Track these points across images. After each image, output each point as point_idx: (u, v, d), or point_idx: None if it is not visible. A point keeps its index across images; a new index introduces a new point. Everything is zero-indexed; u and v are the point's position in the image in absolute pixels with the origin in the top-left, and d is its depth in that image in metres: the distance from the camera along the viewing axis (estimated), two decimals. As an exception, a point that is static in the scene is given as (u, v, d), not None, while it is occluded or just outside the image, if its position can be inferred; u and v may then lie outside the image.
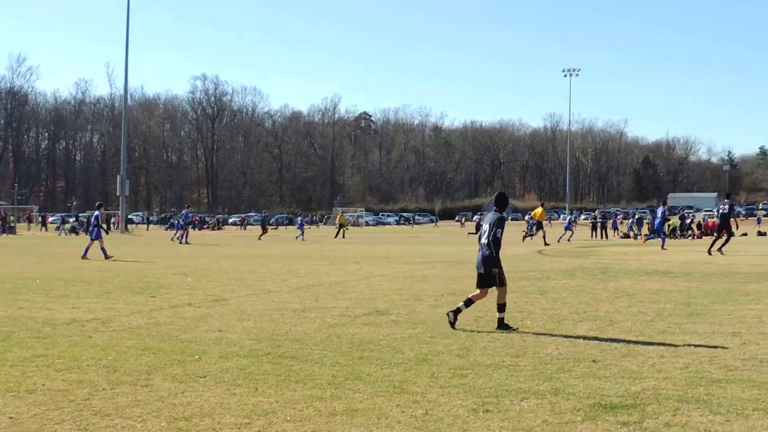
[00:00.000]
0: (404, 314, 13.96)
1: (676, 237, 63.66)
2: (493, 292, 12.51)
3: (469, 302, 12.49)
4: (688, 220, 70.52)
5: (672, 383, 8.26)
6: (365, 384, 8.31)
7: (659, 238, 41.03)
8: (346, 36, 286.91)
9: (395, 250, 40.37)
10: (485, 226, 12.50)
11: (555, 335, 11.53)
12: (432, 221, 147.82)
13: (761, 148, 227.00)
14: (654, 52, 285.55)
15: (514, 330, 12.02)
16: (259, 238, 61.06)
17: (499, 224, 12.28)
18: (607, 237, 62.96)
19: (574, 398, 7.65)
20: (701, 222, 75.30)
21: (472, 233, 59.67)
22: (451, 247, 44.09)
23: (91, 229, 32.95)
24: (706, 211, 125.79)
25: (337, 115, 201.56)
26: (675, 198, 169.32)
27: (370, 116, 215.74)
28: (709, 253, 32.30)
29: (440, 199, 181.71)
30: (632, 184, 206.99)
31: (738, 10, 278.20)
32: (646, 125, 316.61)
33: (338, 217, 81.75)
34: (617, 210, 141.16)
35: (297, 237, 62.22)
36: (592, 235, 65.32)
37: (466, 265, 26.53)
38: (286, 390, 8.06)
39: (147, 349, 10.49)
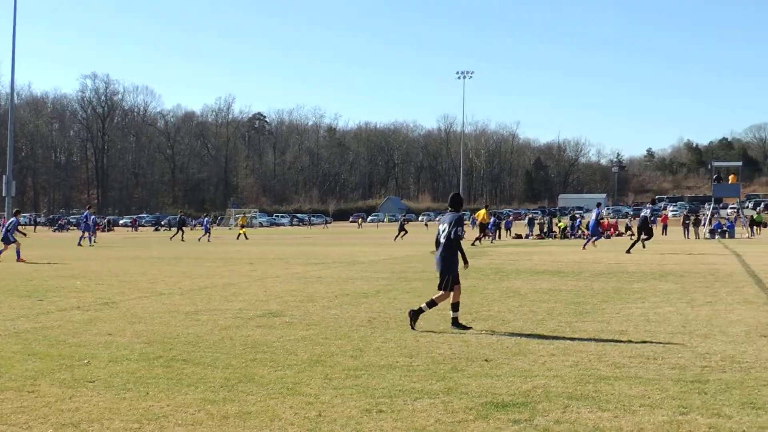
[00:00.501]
0: (298, 316, 13.89)
1: (567, 237, 64.88)
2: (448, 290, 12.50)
3: (432, 303, 12.37)
4: (578, 221, 71.77)
5: (562, 381, 8.39)
6: (258, 386, 8.23)
7: (595, 238, 42.45)
8: (240, 35, 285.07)
9: (289, 251, 40.20)
10: (443, 226, 12.48)
11: (448, 335, 11.62)
12: (326, 222, 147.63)
13: (648, 150, 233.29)
14: (546, 57, 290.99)
15: (468, 329, 12.13)
16: (170, 239, 60.37)
17: (458, 223, 12.31)
18: (500, 237, 63.77)
19: (467, 397, 7.71)
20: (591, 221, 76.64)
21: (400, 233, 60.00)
22: (345, 248, 44.10)
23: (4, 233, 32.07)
24: (597, 211, 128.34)
25: (230, 116, 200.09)
26: (566, 199, 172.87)
27: (264, 117, 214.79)
28: (634, 250, 35.20)
29: (335, 200, 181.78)
30: (524, 185, 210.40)
31: (624, 21, 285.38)
32: (538, 127, 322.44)
33: (240, 218, 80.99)
34: (509, 211, 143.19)
35: (200, 238, 61.06)
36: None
37: (360, 266, 26.58)
38: (178, 394, 7.93)
39: (33, 353, 10.21)
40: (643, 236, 36.79)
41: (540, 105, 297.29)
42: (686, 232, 65.13)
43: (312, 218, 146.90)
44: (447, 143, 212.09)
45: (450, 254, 12.30)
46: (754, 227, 69.46)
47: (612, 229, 72.41)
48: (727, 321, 12.94)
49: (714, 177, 70.76)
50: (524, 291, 17.95)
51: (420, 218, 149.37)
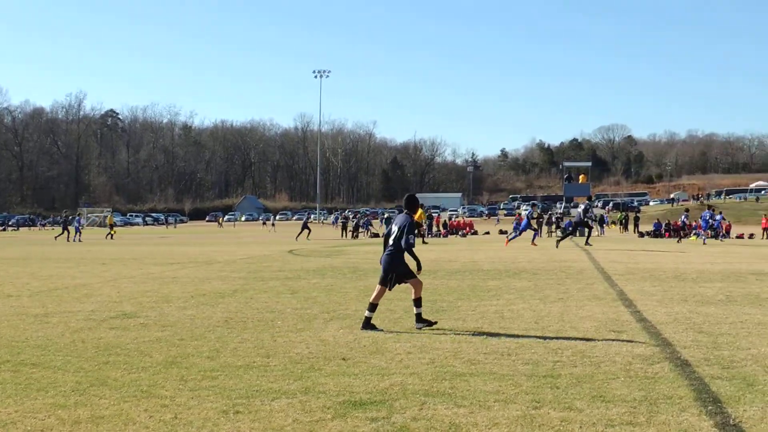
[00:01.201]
0: (153, 317, 13.62)
1: (423, 235, 65.56)
2: (401, 287, 12.47)
3: (373, 307, 12.23)
4: (432, 220, 72.66)
5: (419, 378, 8.47)
6: (111, 390, 8.03)
7: (515, 235, 45.63)
8: (92, 33, 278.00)
9: (144, 250, 39.40)
10: (394, 228, 12.27)
11: (306, 334, 11.58)
12: (181, 222, 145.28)
13: (502, 150, 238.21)
14: (402, 58, 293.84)
15: (434, 324, 12.11)
16: (56, 238, 58.39)
17: (410, 230, 12.09)
18: (357, 236, 64.01)
19: (325, 396, 7.69)
20: (446, 221, 77.92)
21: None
22: (202, 247, 43.51)
23: None
24: (452, 210, 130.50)
25: (82, 113, 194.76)
26: (422, 198, 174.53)
27: (117, 114, 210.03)
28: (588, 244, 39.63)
29: (191, 199, 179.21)
30: (381, 184, 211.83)
31: (478, 27, 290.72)
32: (395, 127, 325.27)
33: (108, 217, 78.62)
34: (367, 210, 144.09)
35: (70, 238, 58.88)
36: (342, 235, 66.30)
37: (216, 266, 26.26)
38: (27, 399, 7.66)
39: None
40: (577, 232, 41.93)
41: (396, 105, 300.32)
42: (539, 231, 66.67)
43: (168, 217, 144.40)
44: (304, 142, 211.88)
45: (397, 256, 12.13)
46: (604, 226, 71.67)
47: (467, 228, 73.65)
48: (578, 317, 13.30)
49: (565, 177, 72.88)
50: (381, 289, 18.02)
51: (207, 218, 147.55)
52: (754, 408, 7.22)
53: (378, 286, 12.24)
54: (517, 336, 11.30)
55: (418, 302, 12.23)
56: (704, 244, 46.21)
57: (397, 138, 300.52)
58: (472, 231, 74.87)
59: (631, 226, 79.18)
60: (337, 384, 8.22)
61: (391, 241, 12.19)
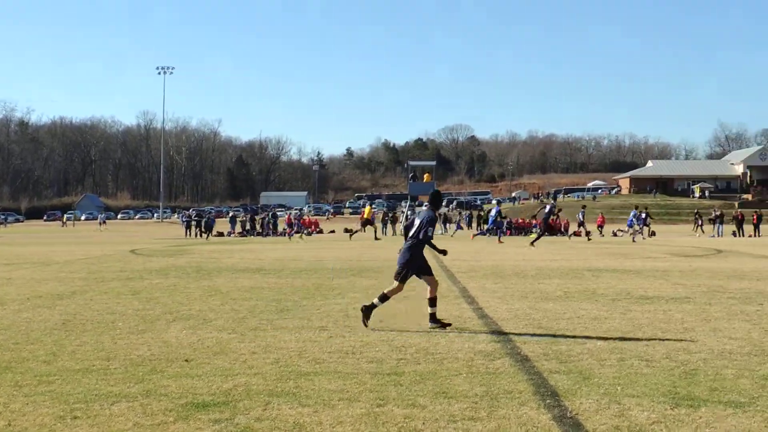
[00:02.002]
0: (-14, 320, 13.08)
1: (268, 234, 65.29)
2: (404, 284, 12.37)
3: (384, 297, 12.22)
4: (276, 219, 72.48)
5: (263, 378, 8.40)
6: (-61, 397, 7.67)
7: (489, 235, 46.86)
8: None
9: (-23, 251, 37.85)
10: (417, 221, 12.35)
11: (148, 335, 11.34)
12: (17, 221, 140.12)
13: (348, 149, 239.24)
14: (249, 55, 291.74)
15: (448, 325, 11.93)
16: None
17: (430, 223, 12.14)
18: (202, 236, 63.23)
19: (167, 399, 7.55)
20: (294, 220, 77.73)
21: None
22: (39, 247, 42.12)
23: None
24: (297, 209, 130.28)
25: None
26: (267, 197, 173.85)
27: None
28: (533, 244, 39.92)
29: (27, 198, 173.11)
30: (226, 182, 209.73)
31: (322, 22, 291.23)
32: (240, 126, 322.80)
33: None
34: (211, 208, 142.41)
35: None
36: (186, 234, 65.34)
37: (54, 267, 25.48)
38: None
39: None
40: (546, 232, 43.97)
41: (242, 103, 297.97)
42: (384, 229, 67.30)
43: (7, 216, 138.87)
44: (147, 140, 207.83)
45: (417, 250, 12.18)
46: (447, 224, 72.83)
47: (313, 226, 73.71)
48: (422, 314, 13.42)
49: (410, 176, 73.59)
50: (226, 289, 17.85)
51: (44, 217, 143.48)
52: (590, 400, 7.45)
53: (395, 283, 12.19)
54: (362, 334, 11.35)
55: (432, 302, 12.18)
56: (634, 242, 47.99)
57: (243, 136, 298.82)
58: (318, 229, 74.95)
59: (474, 224, 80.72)
60: (180, 386, 8.08)
61: (411, 233, 12.32)
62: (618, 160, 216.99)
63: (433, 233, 12.27)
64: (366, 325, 11.94)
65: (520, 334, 11.29)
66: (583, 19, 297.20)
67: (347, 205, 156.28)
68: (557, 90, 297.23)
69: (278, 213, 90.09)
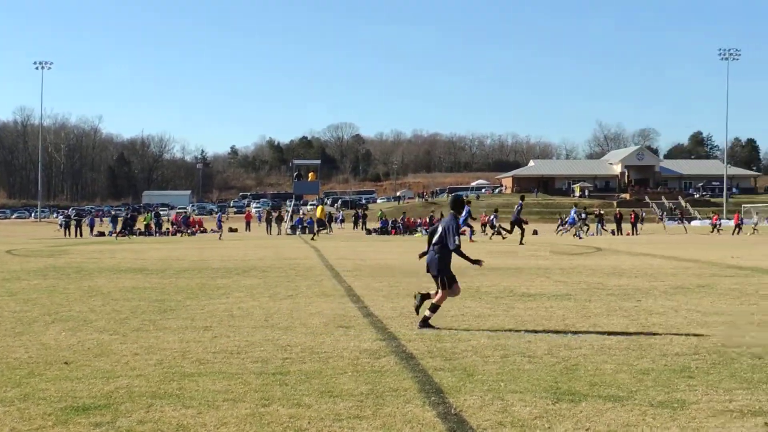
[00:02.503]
0: None
1: (152, 234, 64.25)
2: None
3: (435, 308, 11.99)
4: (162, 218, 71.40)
5: (146, 380, 8.26)
6: None
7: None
8: None
9: None
10: (439, 228, 12.14)
11: (25, 338, 11.01)
12: None
13: (232, 147, 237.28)
14: (129, 51, 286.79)
15: (436, 328, 11.70)
16: None
17: (455, 230, 11.95)
18: (81, 235, 61.82)
19: (45, 403, 7.35)
20: (168, 219, 76.73)
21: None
22: None
23: None
24: (180, 208, 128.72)
25: None
26: (150, 195, 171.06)
27: None
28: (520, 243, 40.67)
29: None
30: (107, 181, 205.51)
31: (197, 22, 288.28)
32: (121, 123, 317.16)
33: None
34: (92, 207, 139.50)
35: None
36: (65, 234, 63.81)
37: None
38: None
39: None
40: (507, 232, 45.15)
41: (123, 100, 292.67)
42: (269, 228, 66.98)
43: None
44: (24, 136, 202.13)
45: (444, 257, 11.97)
46: (332, 223, 72.92)
47: (197, 226, 72.84)
48: (307, 313, 13.43)
49: (295, 174, 73.36)
50: (107, 290, 17.50)
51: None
52: (474, 397, 7.54)
53: (440, 292, 12.01)
54: (247, 334, 11.26)
55: (435, 308, 12.00)
56: (580, 239, 49.12)
57: (124, 134, 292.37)
58: (202, 229, 74.06)
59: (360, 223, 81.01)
60: (59, 389, 7.88)
61: (435, 240, 12.12)
62: (501, 159, 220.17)
63: (459, 241, 12.05)
64: (434, 327, 11.81)
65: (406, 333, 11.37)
66: (468, 22, 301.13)
67: (231, 204, 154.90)
68: (441, 90, 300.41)
69: (161, 212, 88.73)
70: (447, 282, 11.95)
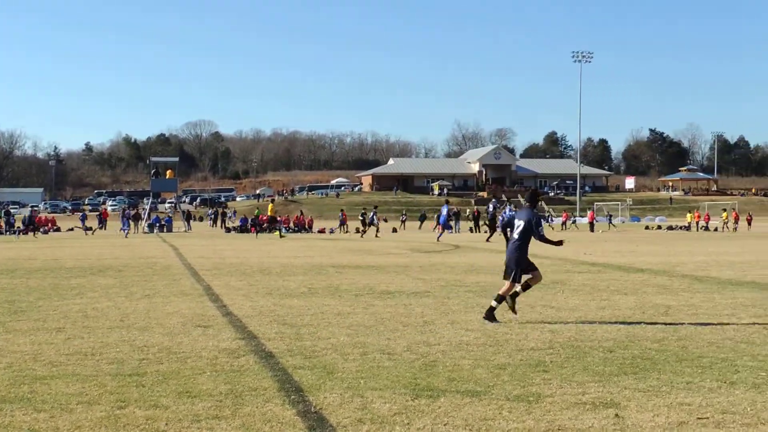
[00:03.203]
0: None
1: (3, 233, 62.12)
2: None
3: (514, 295, 12.47)
4: (12, 217, 69.11)
5: (-5, 384, 7.98)
6: None
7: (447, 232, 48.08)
8: None
9: None
10: (517, 221, 12.65)
11: None
12: None
13: (87, 144, 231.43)
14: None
15: (497, 322, 12.08)
16: None
17: (538, 224, 12.54)
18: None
19: None
20: (26, 217, 74.34)
21: None
22: None
23: None
24: (33, 206, 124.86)
25: None
26: (1, 193, 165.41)
27: None
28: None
29: None
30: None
31: (62, 24, 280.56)
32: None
33: None
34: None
35: None
36: None
37: None
38: None
39: None
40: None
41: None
42: (126, 227, 65.57)
43: None
44: None
45: (523, 248, 12.52)
46: (191, 221, 71.96)
47: (49, 225, 70.77)
48: (165, 313, 13.22)
49: (152, 172, 72.12)
50: (-46, 291, 16.84)
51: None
52: (333, 395, 7.54)
53: (507, 283, 12.47)
54: (101, 335, 11.01)
55: (501, 299, 12.37)
56: (448, 232, 51.37)
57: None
58: (55, 227, 71.97)
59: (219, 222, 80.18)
60: None
61: (516, 235, 12.57)
62: (361, 157, 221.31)
63: (543, 232, 12.64)
64: (495, 320, 12.24)
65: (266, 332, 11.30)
66: (328, 25, 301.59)
67: (86, 202, 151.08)
68: (301, 88, 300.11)
69: (12, 210, 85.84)
70: (515, 277, 12.43)
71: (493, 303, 12.42)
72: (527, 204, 13.18)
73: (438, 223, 48.17)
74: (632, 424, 6.60)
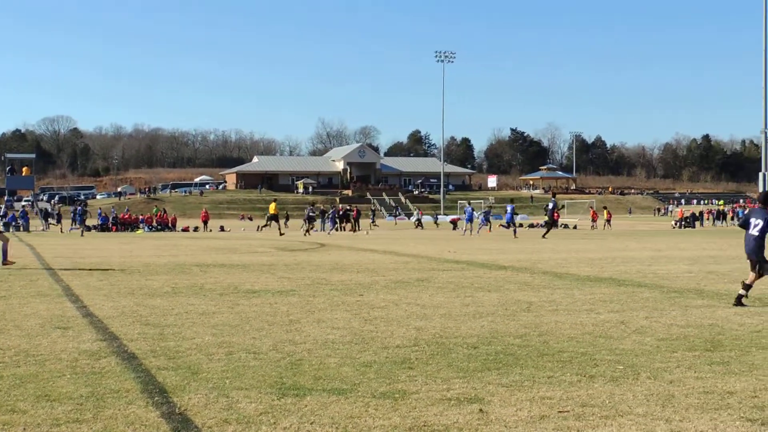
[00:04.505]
0: None
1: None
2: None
3: (748, 287, 14.07)
4: None
5: None
6: None
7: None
8: None
9: None
10: (753, 220, 14.26)
11: None
12: None
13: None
14: None
15: (744, 306, 13.78)
16: None
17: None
18: None
19: None
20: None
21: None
22: None
23: None
24: None
25: None
26: None
27: None
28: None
29: None
30: None
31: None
32: None
33: None
34: None
35: None
36: None
37: None
38: None
39: None
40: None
41: None
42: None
43: None
44: None
45: (761, 244, 13.98)
46: (49, 219, 69.99)
47: None
48: (22, 315, 12.82)
49: (8, 169, 69.99)
50: None
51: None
52: (198, 395, 7.44)
53: (751, 273, 14.14)
54: (-45, 338, 10.61)
55: (749, 287, 14.06)
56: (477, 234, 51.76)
57: None
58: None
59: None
60: None
61: (755, 232, 14.09)
62: (225, 155, 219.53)
63: None
64: (743, 305, 13.87)
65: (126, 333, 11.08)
66: (175, 32, 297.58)
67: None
68: (166, 82, 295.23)
69: None
70: (765, 268, 13.92)
71: (741, 291, 14.11)
72: (760, 205, 14.83)
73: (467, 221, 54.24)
74: (496, 418, 6.72)
